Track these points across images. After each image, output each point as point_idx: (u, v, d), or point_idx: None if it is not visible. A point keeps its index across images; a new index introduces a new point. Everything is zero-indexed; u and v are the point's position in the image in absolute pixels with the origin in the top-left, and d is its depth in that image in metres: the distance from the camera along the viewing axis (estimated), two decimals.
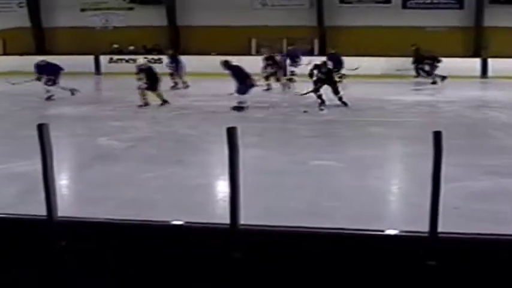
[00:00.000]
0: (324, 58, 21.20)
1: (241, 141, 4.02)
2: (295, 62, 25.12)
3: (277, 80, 22.62)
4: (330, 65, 20.11)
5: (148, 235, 4.41)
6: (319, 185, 9.07)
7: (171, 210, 7.74)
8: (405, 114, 16.90)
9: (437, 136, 3.58)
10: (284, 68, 23.78)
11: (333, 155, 11.07)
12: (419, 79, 25.86)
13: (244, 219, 4.05)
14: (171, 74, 23.66)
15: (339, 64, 23.24)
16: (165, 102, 18.04)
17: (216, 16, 30.20)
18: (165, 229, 4.55)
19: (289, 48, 28.02)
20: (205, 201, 8.49)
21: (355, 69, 24.71)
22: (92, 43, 29.71)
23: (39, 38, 32.29)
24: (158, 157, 11.25)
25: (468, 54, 28.80)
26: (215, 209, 7.99)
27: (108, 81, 24.59)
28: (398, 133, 13.71)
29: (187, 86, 23.47)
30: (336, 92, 17.84)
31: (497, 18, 28.52)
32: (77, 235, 4.43)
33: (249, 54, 29.99)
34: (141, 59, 21.19)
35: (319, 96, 17.68)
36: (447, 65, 26.32)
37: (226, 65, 17.88)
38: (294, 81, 23.49)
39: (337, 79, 20.10)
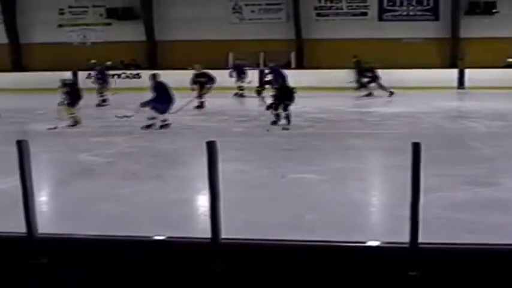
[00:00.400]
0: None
1: (221, 155, 4.03)
2: (241, 77, 25.53)
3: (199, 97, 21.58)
4: (270, 77, 21.00)
5: (130, 250, 4.40)
6: (299, 198, 9.07)
7: (153, 225, 7.71)
8: (384, 125, 16.98)
9: (415, 147, 3.61)
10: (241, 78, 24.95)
11: (313, 167, 11.08)
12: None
13: (225, 233, 4.05)
14: None
15: (279, 76, 22.93)
16: (76, 123, 17.18)
17: (194, 30, 30.27)
18: (147, 244, 4.54)
19: (236, 62, 28.00)
20: (186, 216, 8.46)
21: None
22: (70, 59, 29.60)
23: (15, 55, 32.12)
24: (138, 172, 11.21)
25: (445, 65, 29.02)
26: (196, 223, 7.98)
27: (86, 97, 24.45)
28: (378, 145, 13.77)
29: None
30: (285, 108, 16.84)
31: (473, 29, 28.80)
32: (57, 252, 4.40)
33: (227, 68, 30.03)
34: (68, 74, 20.87)
35: (277, 115, 16.85)
36: (424, 75, 26.58)
37: (154, 78, 16.88)
38: (243, 96, 23.68)
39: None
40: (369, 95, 24.95)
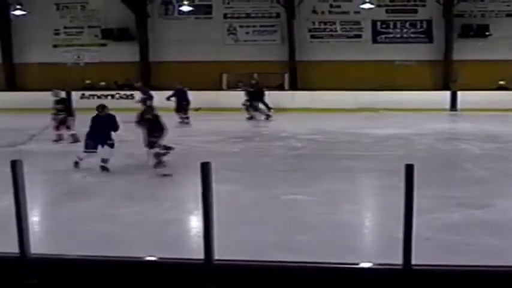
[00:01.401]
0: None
1: (214, 176, 4.04)
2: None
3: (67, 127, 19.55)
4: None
5: (123, 271, 4.39)
6: (292, 219, 9.06)
7: (146, 246, 7.70)
8: (378, 147, 17.00)
9: (409, 169, 3.63)
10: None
11: (307, 188, 11.09)
12: None
13: (217, 253, 4.04)
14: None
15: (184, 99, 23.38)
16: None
17: (188, 51, 30.29)
18: (139, 265, 4.52)
19: (138, 85, 27.97)
20: (179, 237, 8.46)
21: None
22: (64, 79, 29.53)
23: (10, 74, 32.11)
24: (132, 192, 11.19)
25: (438, 87, 29.13)
26: (189, 243, 7.97)
27: (80, 117, 24.45)
28: (372, 166, 13.78)
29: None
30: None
31: (466, 51, 28.94)
32: (50, 272, 4.39)
33: (220, 89, 30.12)
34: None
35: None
36: (417, 97, 26.72)
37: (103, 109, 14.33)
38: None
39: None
40: (269, 116, 24.79)
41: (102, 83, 30.16)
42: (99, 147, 13.43)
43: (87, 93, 29.45)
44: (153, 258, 4.55)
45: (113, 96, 29.31)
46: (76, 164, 13.50)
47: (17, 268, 4.36)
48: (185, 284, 4.19)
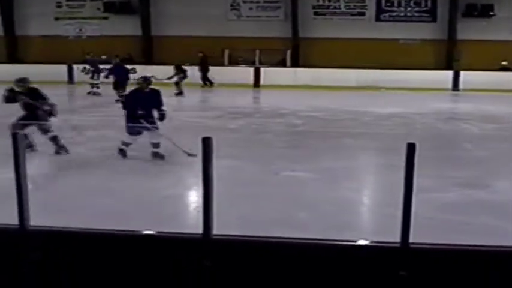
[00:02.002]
0: None
1: (214, 152, 4.04)
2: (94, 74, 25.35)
3: None
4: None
5: (121, 245, 4.40)
6: (292, 196, 9.07)
7: (145, 220, 7.71)
8: (379, 125, 17.00)
9: (410, 148, 3.62)
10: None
11: (306, 165, 11.09)
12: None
13: (216, 229, 4.05)
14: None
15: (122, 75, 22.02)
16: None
17: (191, 27, 30.27)
18: (138, 239, 4.53)
19: (89, 57, 27.61)
20: (178, 212, 8.48)
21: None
22: (65, 52, 29.54)
23: (11, 47, 32.05)
24: (132, 167, 11.20)
25: (440, 66, 29.08)
26: (188, 219, 7.99)
27: (81, 90, 24.43)
28: (372, 144, 13.77)
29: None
30: None
31: (470, 31, 28.86)
32: (48, 245, 4.41)
33: (222, 64, 30.04)
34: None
35: None
36: (419, 76, 26.66)
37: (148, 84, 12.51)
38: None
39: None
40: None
41: (104, 57, 30.05)
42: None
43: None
44: (151, 232, 4.56)
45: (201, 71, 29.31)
46: (121, 151, 11.80)
47: (17, 240, 4.38)
48: (183, 258, 4.20)
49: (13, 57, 31.58)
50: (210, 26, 30.33)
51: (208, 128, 15.63)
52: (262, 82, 28.70)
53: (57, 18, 32.43)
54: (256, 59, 30.18)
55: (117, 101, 19.41)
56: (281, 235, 4.37)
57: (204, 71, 27.80)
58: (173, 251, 4.25)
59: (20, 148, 4.12)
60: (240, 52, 30.07)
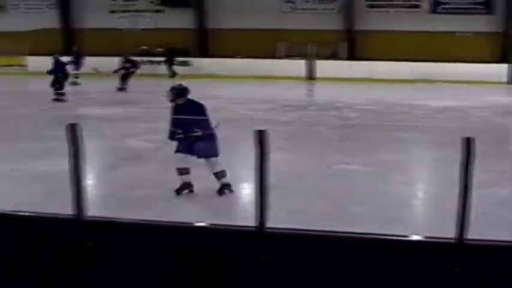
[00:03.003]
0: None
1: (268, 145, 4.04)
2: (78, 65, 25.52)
3: None
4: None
5: (174, 237, 4.43)
6: (345, 189, 9.05)
7: (197, 213, 7.78)
8: (433, 119, 16.81)
9: (468, 142, 3.57)
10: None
11: (360, 159, 11.05)
12: None
13: (269, 222, 4.06)
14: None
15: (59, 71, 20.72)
16: None
17: (245, 19, 30.22)
18: (191, 231, 4.56)
19: (75, 49, 27.93)
20: (232, 204, 8.52)
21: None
22: (120, 45, 29.76)
23: (67, 39, 32.48)
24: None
25: (495, 59, 28.57)
26: (242, 211, 8.02)
27: (136, 83, 24.68)
28: (426, 138, 13.65)
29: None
30: None
31: None
32: (103, 235, 4.47)
33: (274, 57, 29.95)
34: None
35: None
36: (474, 69, 26.27)
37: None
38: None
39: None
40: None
41: (159, 49, 30.25)
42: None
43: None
44: (203, 225, 4.58)
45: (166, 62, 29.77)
46: (180, 190, 8.84)
47: (73, 229, 4.45)
48: (237, 249, 4.22)
49: (69, 50, 31.89)
50: (264, 19, 30.27)
51: (261, 120, 15.64)
52: (315, 75, 28.61)
53: (112, 11, 32.79)
54: (310, 51, 30.02)
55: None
56: (334, 229, 4.36)
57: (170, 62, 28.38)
58: (227, 243, 4.27)
59: (76, 139, 4.17)
60: (293, 45, 29.99)
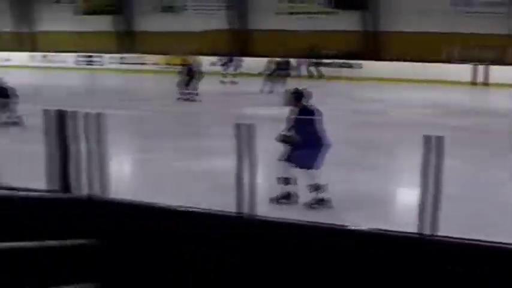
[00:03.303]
0: None
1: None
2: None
3: None
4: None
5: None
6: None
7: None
8: None
9: None
10: None
11: None
12: None
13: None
14: None
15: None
16: None
17: (415, 22, 29.56)
18: (362, 235, 4.62)
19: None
20: (393, 209, 8.43)
21: None
22: (289, 46, 29.91)
23: (239, 40, 33.19)
24: (348, 158, 11.16)
25: None
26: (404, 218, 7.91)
27: (306, 84, 24.88)
28: None
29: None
30: None
31: None
32: (261, 233, 4.60)
33: (442, 61, 29.07)
34: None
35: None
36: None
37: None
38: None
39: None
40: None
41: (332, 52, 30.36)
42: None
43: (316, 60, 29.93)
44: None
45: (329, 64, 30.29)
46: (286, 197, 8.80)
47: (234, 226, 4.63)
48: (402, 256, 4.22)
49: (242, 51, 32.29)
50: (432, 22, 29.52)
51: (429, 125, 15.26)
52: (485, 80, 27.68)
53: (290, 13, 33.25)
54: (475, 55, 29.00)
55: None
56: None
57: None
58: (393, 249, 4.29)
59: (247, 137, 4.30)
60: (462, 48, 29.14)
